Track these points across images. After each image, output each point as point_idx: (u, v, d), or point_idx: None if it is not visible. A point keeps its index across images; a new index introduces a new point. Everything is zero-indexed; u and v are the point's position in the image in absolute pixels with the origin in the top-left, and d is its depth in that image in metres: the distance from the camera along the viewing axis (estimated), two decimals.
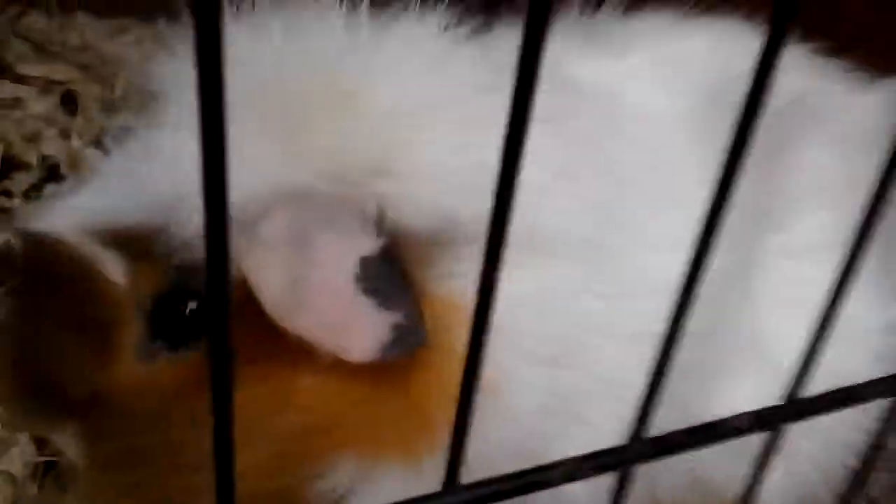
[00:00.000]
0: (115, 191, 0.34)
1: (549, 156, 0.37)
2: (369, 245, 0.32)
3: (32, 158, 0.90)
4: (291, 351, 0.33)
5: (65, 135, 0.94)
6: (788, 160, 0.47)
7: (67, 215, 0.34)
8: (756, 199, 0.44)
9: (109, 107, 0.99)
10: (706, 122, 0.44)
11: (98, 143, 0.92)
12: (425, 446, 0.34)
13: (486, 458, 0.33)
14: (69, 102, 1.00)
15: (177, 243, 0.32)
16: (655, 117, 0.47)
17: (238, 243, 0.30)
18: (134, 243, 0.34)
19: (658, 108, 0.47)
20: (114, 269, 0.34)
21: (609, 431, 0.38)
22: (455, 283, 0.35)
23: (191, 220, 0.31)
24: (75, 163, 0.90)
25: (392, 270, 0.32)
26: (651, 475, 0.38)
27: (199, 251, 0.29)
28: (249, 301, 0.31)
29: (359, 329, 0.31)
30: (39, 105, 0.96)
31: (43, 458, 0.41)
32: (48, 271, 0.34)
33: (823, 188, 0.49)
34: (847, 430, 0.49)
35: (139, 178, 0.35)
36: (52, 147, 0.91)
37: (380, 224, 0.33)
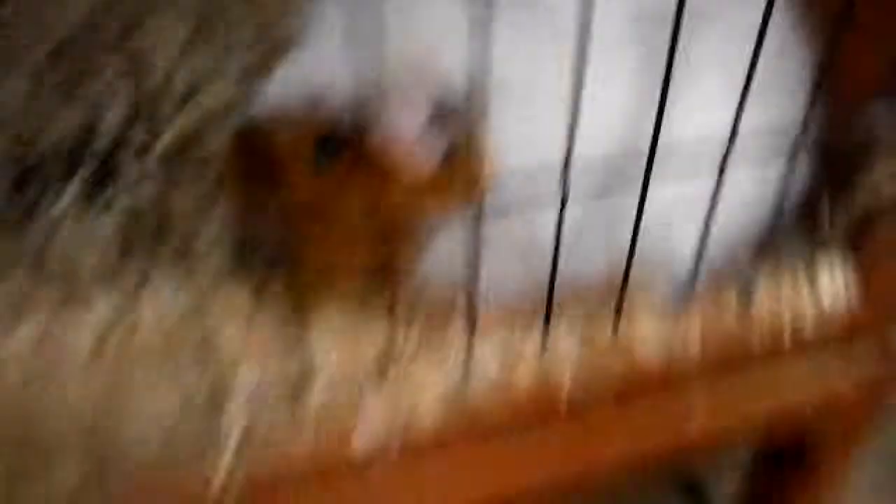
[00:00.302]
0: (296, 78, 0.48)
1: None
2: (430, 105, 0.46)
3: None
4: (386, 170, 0.47)
5: None
6: None
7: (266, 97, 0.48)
8: None
9: None
10: None
11: None
12: (468, 204, 0.47)
13: None
14: None
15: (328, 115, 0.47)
16: None
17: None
18: (306, 117, 0.48)
19: None
20: (291, 134, 0.48)
21: None
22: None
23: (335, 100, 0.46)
24: None
25: (445, 121, 0.47)
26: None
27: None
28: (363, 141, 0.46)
29: (426, 152, 0.47)
30: None
31: None
32: (252, 144, 0.48)
33: None
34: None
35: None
36: None
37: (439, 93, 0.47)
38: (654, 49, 0.47)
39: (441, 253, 0.50)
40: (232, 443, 0.45)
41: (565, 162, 0.44)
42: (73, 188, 0.63)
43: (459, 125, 0.46)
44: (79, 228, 0.60)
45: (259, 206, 0.50)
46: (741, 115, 0.47)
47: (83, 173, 0.64)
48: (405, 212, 0.48)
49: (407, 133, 0.46)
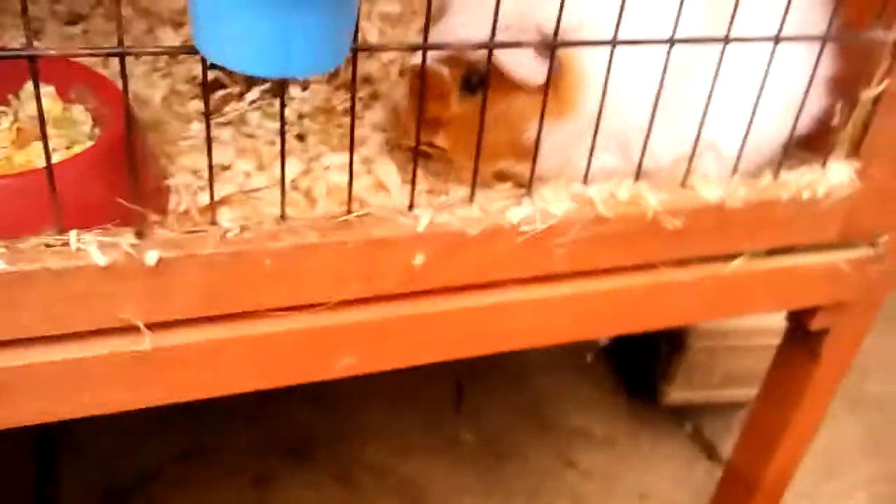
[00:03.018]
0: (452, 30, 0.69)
1: None
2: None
3: None
4: (512, 84, 0.65)
5: None
6: None
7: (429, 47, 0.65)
8: None
9: None
10: None
11: None
12: (568, 112, 0.69)
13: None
14: None
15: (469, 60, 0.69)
16: None
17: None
18: (456, 59, 0.69)
19: None
20: (445, 72, 0.69)
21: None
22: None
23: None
24: None
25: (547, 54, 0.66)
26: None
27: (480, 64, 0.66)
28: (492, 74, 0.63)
29: (537, 71, 0.65)
30: None
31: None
32: (423, 75, 0.64)
33: None
34: None
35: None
36: None
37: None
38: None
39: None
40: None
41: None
42: (251, 95, 0.86)
43: (555, 58, 0.65)
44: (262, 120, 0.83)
45: (429, 118, 0.71)
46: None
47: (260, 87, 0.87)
48: (520, 117, 0.70)
49: (520, 64, 0.67)
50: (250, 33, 0.42)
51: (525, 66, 0.66)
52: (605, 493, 1.21)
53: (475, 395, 1.34)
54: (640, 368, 1.34)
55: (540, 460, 1.25)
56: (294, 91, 0.88)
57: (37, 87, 0.50)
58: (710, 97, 0.70)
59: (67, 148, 0.68)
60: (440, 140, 0.73)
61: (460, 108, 0.71)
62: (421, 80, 0.62)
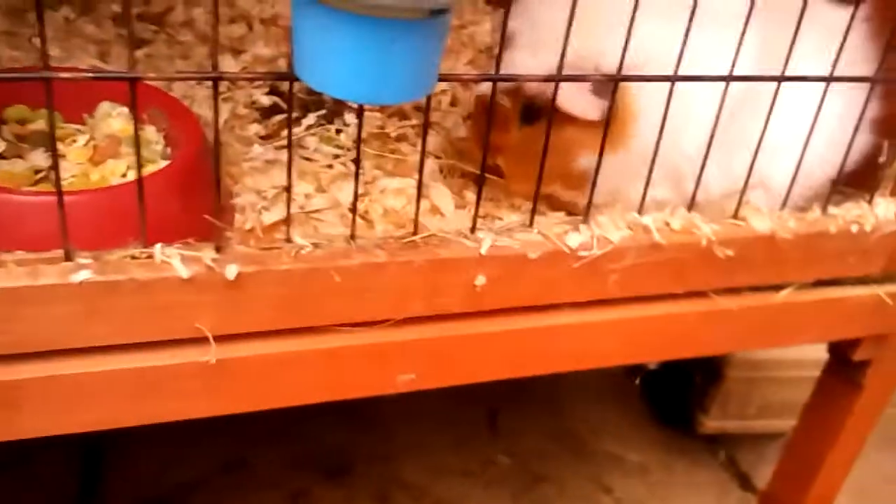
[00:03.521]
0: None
1: None
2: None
3: None
4: (569, 118, 0.68)
5: None
6: None
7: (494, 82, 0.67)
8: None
9: None
10: None
11: None
12: (621, 146, 0.71)
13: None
14: None
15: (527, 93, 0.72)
16: None
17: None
18: (516, 92, 0.72)
19: None
20: (507, 103, 0.73)
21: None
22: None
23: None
24: None
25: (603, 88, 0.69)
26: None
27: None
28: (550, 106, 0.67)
29: (593, 107, 0.69)
30: None
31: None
32: (487, 105, 0.67)
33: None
34: None
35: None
36: None
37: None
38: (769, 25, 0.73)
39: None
40: None
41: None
42: (308, 120, 0.89)
43: (612, 92, 0.68)
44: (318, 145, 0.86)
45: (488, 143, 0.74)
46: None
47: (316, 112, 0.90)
48: (571, 149, 0.72)
49: (577, 100, 0.70)
50: (352, 62, 0.44)
51: (582, 102, 0.69)
52: None
53: (511, 419, 1.35)
54: (675, 397, 1.35)
55: (574, 485, 1.25)
56: (349, 118, 0.91)
57: (133, 109, 0.53)
58: (763, 133, 0.72)
59: (142, 167, 0.71)
60: (497, 164, 0.76)
61: (519, 136, 0.74)
62: (490, 109, 0.64)
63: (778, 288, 0.79)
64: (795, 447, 1.06)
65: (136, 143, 0.54)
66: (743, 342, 0.83)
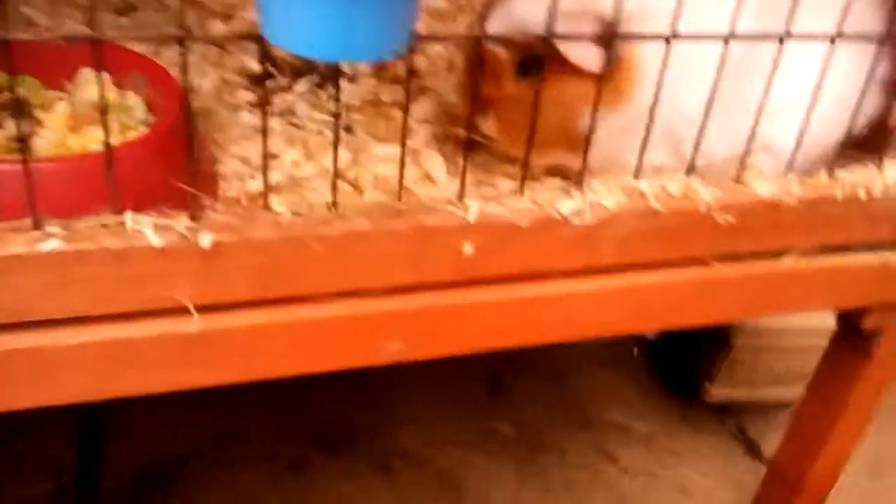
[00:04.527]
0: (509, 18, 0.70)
1: None
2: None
3: None
4: (569, 70, 0.66)
5: None
6: None
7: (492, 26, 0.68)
8: None
9: None
10: None
11: None
12: (623, 103, 0.69)
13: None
14: None
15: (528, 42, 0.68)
16: None
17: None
18: (515, 43, 0.69)
19: None
20: (503, 54, 0.70)
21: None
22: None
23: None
24: None
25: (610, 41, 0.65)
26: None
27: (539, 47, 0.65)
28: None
29: (594, 56, 0.65)
30: None
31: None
32: (481, 58, 0.67)
33: None
34: None
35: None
36: None
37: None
38: None
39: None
40: None
41: None
42: (300, 87, 0.87)
43: (613, 46, 0.66)
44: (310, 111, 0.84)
45: (480, 98, 0.71)
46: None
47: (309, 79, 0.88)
48: (574, 104, 0.69)
49: (578, 49, 0.68)
50: (314, 18, 0.42)
51: (583, 51, 0.65)
52: (645, 488, 1.20)
53: (514, 388, 1.34)
54: (681, 366, 1.33)
55: (579, 454, 1.24)
56: (342, 83, 0.89)
57: (99, 71, 0.51)
58: (765, 95, 0.69)
59: (122, 133, 0.69)
60: (489, 125, 0.72)
61: (514, 90, 0.70)
62: (476, 65, 0.62)
63: (781, 254, 0.76)
64: (804, 416, 1.04)
65: (102, 106, 0.52)
66: (745, 310, 0.81)
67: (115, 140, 0.67)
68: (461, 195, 0.64)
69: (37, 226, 0.54)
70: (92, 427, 1.17)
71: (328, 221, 0.59)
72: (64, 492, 1.07)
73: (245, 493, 1.11)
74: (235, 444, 1.17)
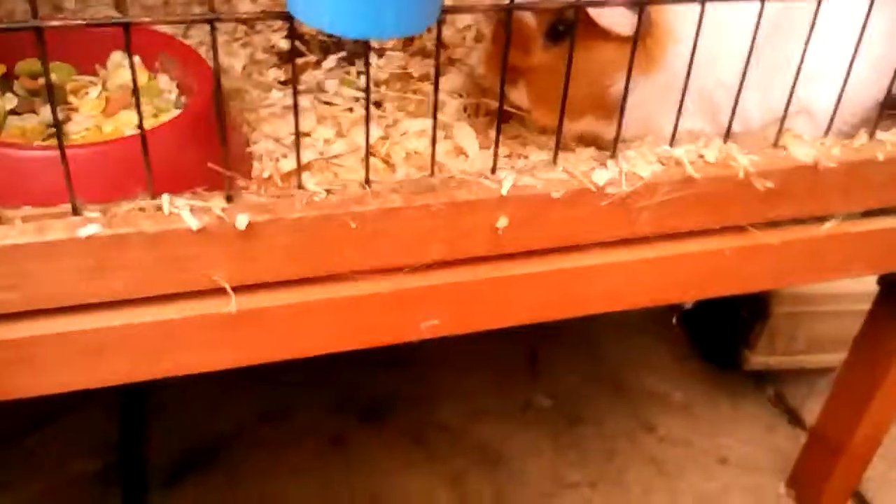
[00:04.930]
0: None
1: None
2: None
3: None
4: (600, 35, 0.65)
5: None
6: None
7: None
8: None
9: None
10: None
11: None
12: (655, 68, 0.67)
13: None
14: None
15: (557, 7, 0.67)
16: None
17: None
18: (543, 10, 0.68)
19: None
20: (532, 21, 0.68)
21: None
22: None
23: None
24: None
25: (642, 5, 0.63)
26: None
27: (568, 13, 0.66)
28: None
29: (626, 19, 0.64)
30: None
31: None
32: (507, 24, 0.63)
33: None
34: None
35: None
36: None
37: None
38: None
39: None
40: None
41: None
42: (328, 63, 0.87)
43: (645, 9, 0.63)
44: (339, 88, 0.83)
45: (510, 67, 0.70)
46: None
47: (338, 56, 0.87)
48: (605, 70, 0.68)
49: (608, 15, 0.66)
50: None
51: (614, 15, 0.64)
52: (683, 457, 1.20)
53: (550, 359, 1.34)
54: (719, 334, 1.32)
55: (616, 424, 1.24)
56: (370, 58, 0.88)
57: (129, 54, 0.51)
58: (803, 57, 0.67)
59: (154, 116, 0.69)
60: (519, 95, 0.71)
61: (544, 57, 0.69)
62: (504, 34, 0.60)
63: (822, 220, 0.74)
64: (845, 382, 1.02)
65: (135, 89, 0.52)
66: (785, 278, 0.79)
67: (148, 124, 0.68)
68: (494, 168, 0.64)
69: (76, 211, 0.54)
70: (137, 406, 1.19)
71: (361, 199, 0.59)
72: (110, 470, 1.09)
73: (288, 467, 1.13)
74: (278, 420, 1.19)
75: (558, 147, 0.65)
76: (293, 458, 1.14)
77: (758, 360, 1.25)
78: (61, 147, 0.52)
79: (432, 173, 0.63)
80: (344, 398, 1.23)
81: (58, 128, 0.52)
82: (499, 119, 0.62)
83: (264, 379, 1.21)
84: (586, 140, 0.74)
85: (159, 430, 1.16)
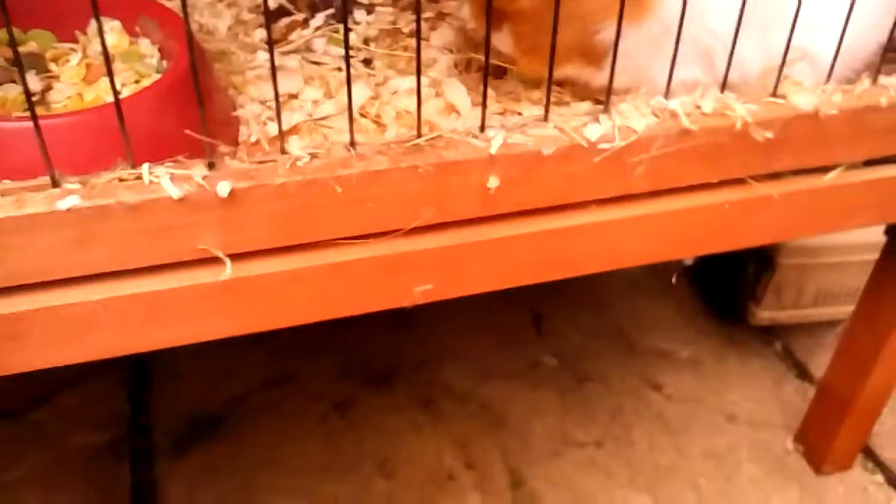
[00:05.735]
0: None
1: None
2: None
3: None
4: None
5: None
6: None
7: None
8: None
9: None
10: None
11: None
12: (645, 15, 0.65)
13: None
14: None
15: None
16: None
17: None
18: None
19: None
20: None
21: None
22: None
23: None
24: None
25: None
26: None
27: None
28: None
29: None
30: None
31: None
32: None
33: None
34: None
35: None
36: None
37: None
38: None
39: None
40: None
41: None
42: (315, 21, 0.85)
43: None
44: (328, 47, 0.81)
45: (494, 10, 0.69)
46: None
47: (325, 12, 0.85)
48: (592, 17, 0.65)
49: None
50: None
51: None
52: (690, 414, 1.19)
53: (555, 319, 1.33)
54: (725, 289, 1.31)
55: (623, 382, 1.23)
56: (359, 15, 0.86)
57: (98, 18, 0.49)
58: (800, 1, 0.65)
59: (136, 82, 0.68)
60: (504, 41, 0.69)
61: (528, 1, 0.67)
62: None
63: (824, 170, 0.73)
64: (853, 334, 1.01)
65: (105, 52, 0.51)
66: (788, 230, 0.78)
67: (129, 90, 0.66)
68: (482, 127, 0.62)
69: (55, 183, 0.53)
70: (142, 376, 1.19)
71: (346, 162, 0.58)
72: (118, 441, 1.10)
73: (294, 433, 1.13)
74: (283, 385, 1.19)
75: (549, 102, 0.63)
76: (299, 423, 1.14)
77: (764, 314, 1.24)
78: (34, 116, 0.51)
79: (419, 134, 0.61)
80: (349, 363, 1.23)
81: (28, 96, 0.50)
82: (485, 71, 0.60)
83: (268, 345, 1.21)
84: (578, 92, 0.72)
85: (165, 400, 1.16)
